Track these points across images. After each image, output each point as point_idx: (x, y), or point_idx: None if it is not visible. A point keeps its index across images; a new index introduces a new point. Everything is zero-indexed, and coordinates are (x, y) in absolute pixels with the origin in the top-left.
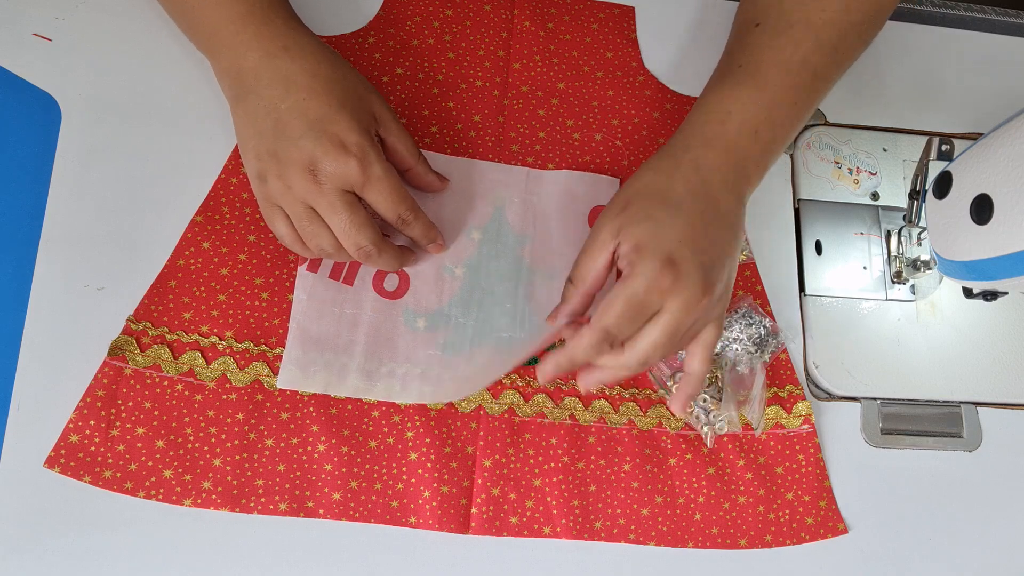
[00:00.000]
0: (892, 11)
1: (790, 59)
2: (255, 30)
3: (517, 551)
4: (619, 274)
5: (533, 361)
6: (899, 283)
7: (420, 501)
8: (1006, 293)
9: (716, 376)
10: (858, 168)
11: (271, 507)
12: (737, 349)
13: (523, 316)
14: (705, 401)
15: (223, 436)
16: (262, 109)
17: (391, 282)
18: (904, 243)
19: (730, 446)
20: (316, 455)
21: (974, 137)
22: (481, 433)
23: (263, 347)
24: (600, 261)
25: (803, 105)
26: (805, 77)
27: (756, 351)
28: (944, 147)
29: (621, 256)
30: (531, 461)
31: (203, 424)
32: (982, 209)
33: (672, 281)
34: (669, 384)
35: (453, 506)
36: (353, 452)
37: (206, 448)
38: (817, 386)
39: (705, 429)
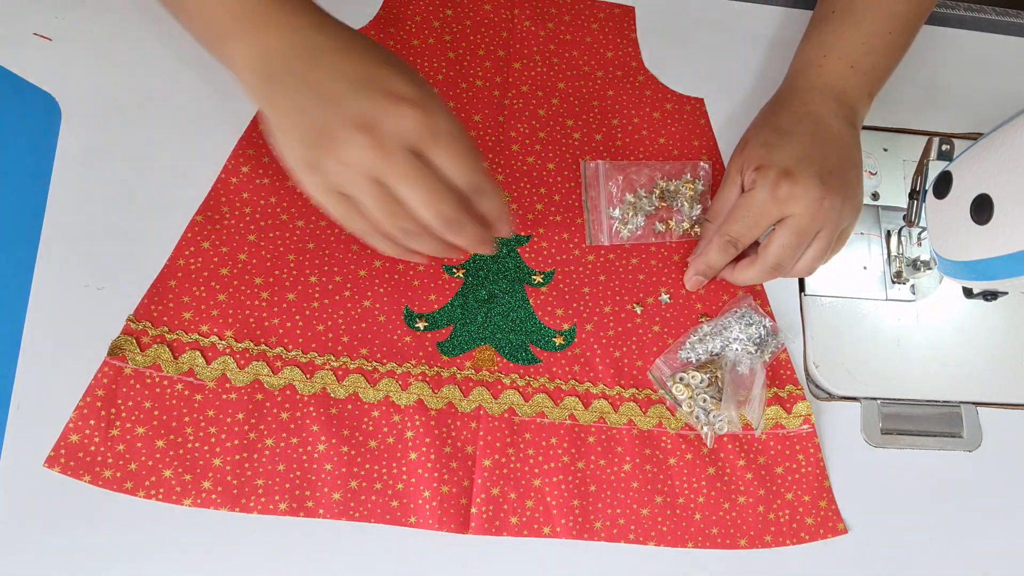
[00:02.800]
0: None
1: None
2: (278, 8)
3: (517, 551)
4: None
5: (533, 360)
6: (899, 283)
7: (420, 501)
8: (1006, 293)
9: (716, 376)
10: None
11: (271, 507)
12: (737, 349)
13: (523, 316)
14: (705, 401)
15: (223, 436)
16: (297, 86)
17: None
18: (904, 243)
19: (730, 446)
20: (316, 455)
21: (974, 137)
22: (481, 433)
23: (263, 347)
24: (731, 196)
25: (901, 32)
26: (898, 5)
27: (756, 351)
28: (944, 147)
29: (746, 182)
30: (531, 461)
31: (203, 424)
32: (982, 209)
33: (789, 189)
34: (669, 384)
35: (453, 506)
36: (353, 452)
37: (206, 448)
38: (817, 386)
39: (705, 429)
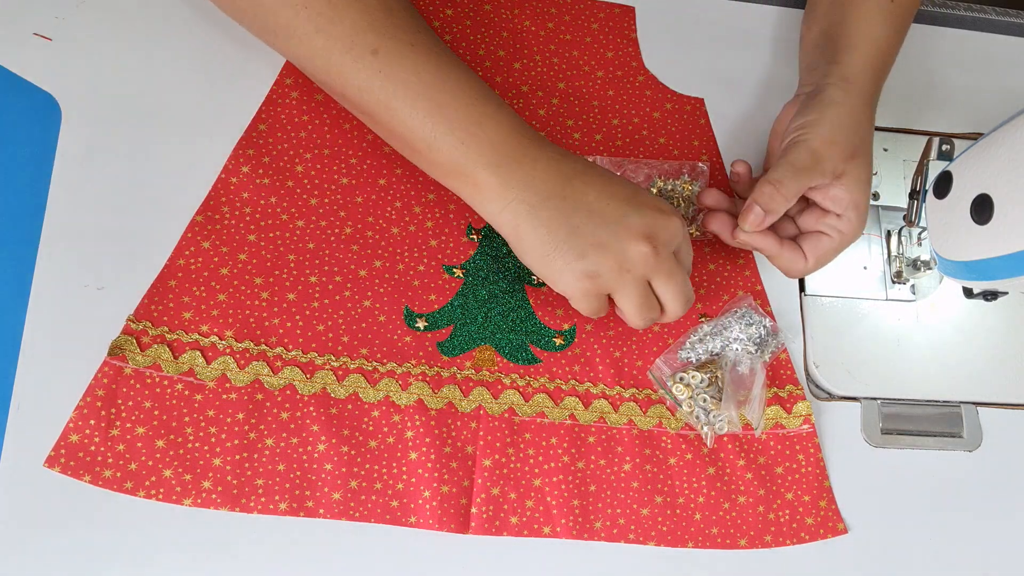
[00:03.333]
0: None
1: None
2: (534, 142)
3: (517, 551)
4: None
5: (533, 360)
6: (899, 283)
7: (420, 501)
8: (1006, 293)
9: (716, 376)
10: None
11: (271, 507)
12: (737, 349)
13: (523, 316)
14: (705, 401)
15: (223, 436)
16: (569, 208)
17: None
18: (904, 243)
19: (730, 446)
20: (316, 455)
21: (974, 137)
22: (481, 433)
23: (263, 347)
24: (811, 184)
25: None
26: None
27: (756, 351)
28: (944, 147)
29: (833, 199)
30: (531, 461)
31: (203, 424)
32: (982, 209)
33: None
34: (669, 384)
35: (453, 506)
36: (353, 452)
37: (206, 448)
38: (817, 386)
39: (705, 429)
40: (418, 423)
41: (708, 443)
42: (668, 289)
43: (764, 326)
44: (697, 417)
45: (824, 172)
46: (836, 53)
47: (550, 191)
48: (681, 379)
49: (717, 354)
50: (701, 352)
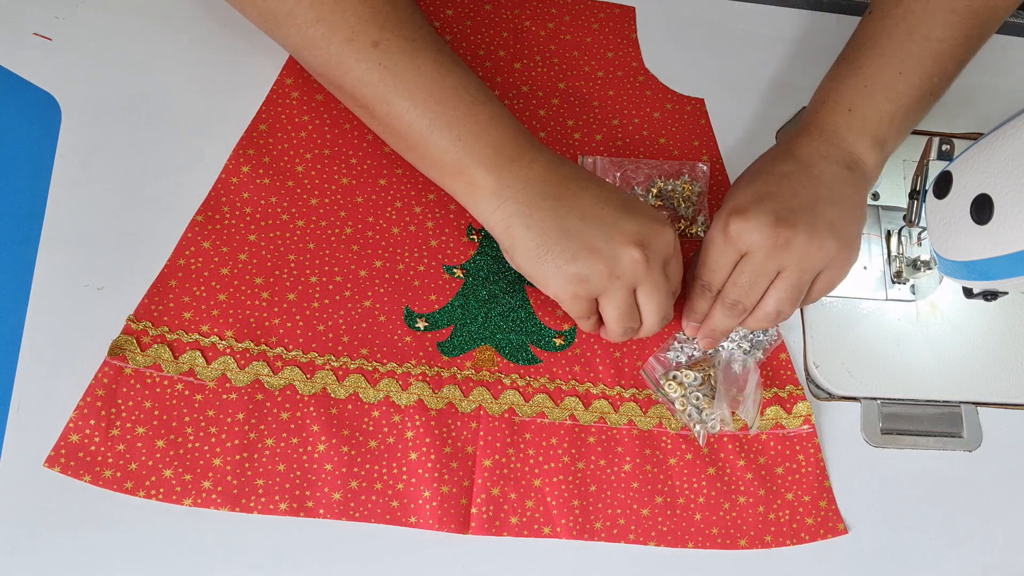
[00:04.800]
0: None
1: (891, 48)
2: (532, 144)
3: (517, 551)
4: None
5: (534, 360)
6: (899, 283)
7: (420, 501)
8: (1006, 293)
9: (709, 375)
10: None
11: (271, 507)
12: (731, 348)
13: (523, 316)
14: (698, 399)
15: (223, 436)
16: (563, 210)
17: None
18: (904, 243)
19: (730, 446)
20: (316, 455)
21: (974, 137)
22: (481, 433)
23: (263, 347)
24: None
25: (907, 76)
26: (908, 50)
27: (749, 348)
28: (944, 147)
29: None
30: (531, 461)
31: (203, 424)
32: (982, 209)
33: (739, 224)
34: (662, 383)
35: (453, 506)
36: (353, 452)
37: (206, 448)
38: (817, 386)
39: (698, 428)
40: (418, 423)
41: (701, 442)
42: (651, 301)
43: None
44: (689, 415)
45: (728, 218)
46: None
47: (545, 192)
48: (674, 377)
49: (710, 353)
50: (690, 352)
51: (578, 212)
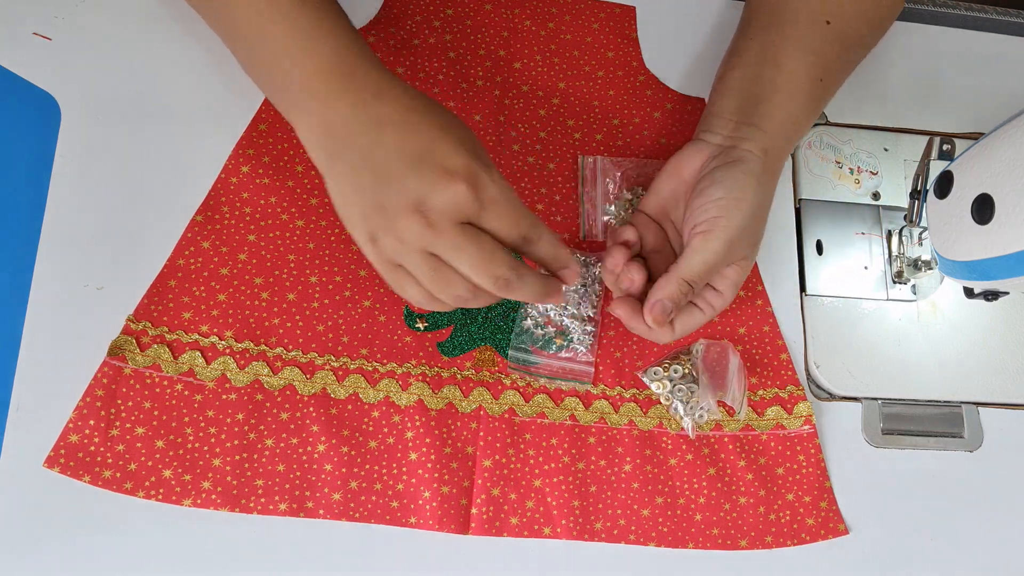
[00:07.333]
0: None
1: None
2: (345, 79)
3: (517, 551)
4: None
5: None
6: (900, 283)
7: (420, 501)
8: (1007, 293)
9: (688, 369)
10: (859, 168)
11: (271, 507)
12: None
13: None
14: (681, 392)
15: (223, 436)
16: (358, 161)
17: None
18: (905, 243)
19: (731, 447)
20: (316, 455)
21: (975, 137)
22: (481, 433)
23: (263, 347)
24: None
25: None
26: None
27: (584, 297)
28: (945, 147)
29: (727, 270)
30: (531, 461)
31: (203, 424)
32: (983, 209)
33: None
34: (644, 380)
35: (453, 506)
36: (353, 452)
37: (206, 448)
38: (818, 386)
39: (686, 420)
40: (418, 423)
41: (691, 435)
42: (462, 265)
43: (583, 262)
44: (676, 409)
45: (732, 260)
46: (758, 117)
47: (345, 141)
48: (656, 373)
49: (687, 351)
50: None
51: (371, 166)
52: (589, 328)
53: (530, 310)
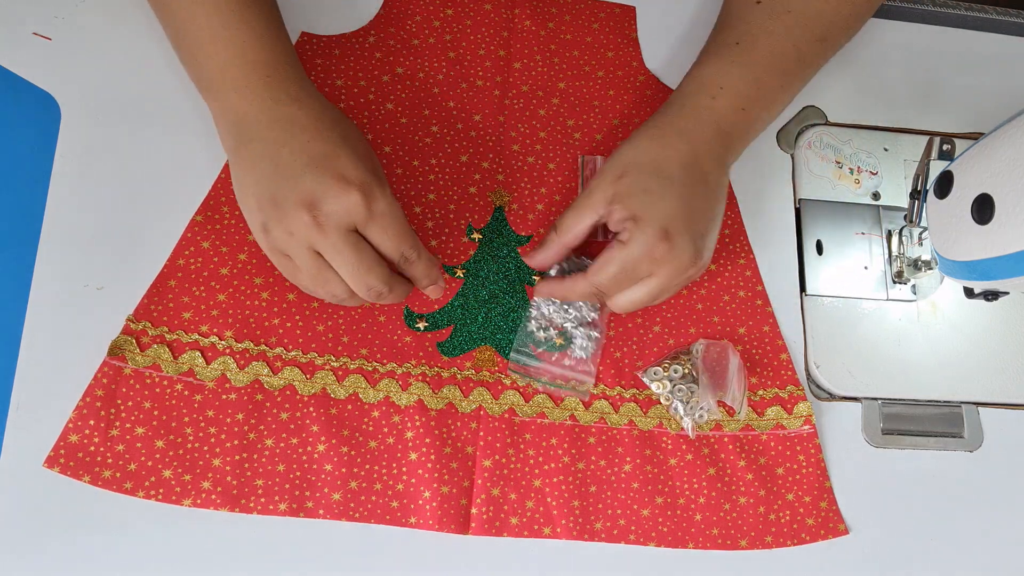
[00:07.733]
0: (878, 6)
1: (783, 45)
2: (264, 77)
3: (517, 551)
4: (606, 232)
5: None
6: (900, 283)
7: (420, 501)
8: (1007, 293)
9: (688, 369)
10: (859, 168)
11: (271, 507)
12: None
13: (524, 316)
14: (681, 392)
15: (223, 436)
16: (261, 153)
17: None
18: (905, 243)
19: (731, 447)
20: (316, 455)
21: (975, 137)
22: (481, 433)
23: (263, 347)
24: (586, 221)
25: (788, 88)
26: (791, 63)
27: (575, 324)
28: (945, 147)
29: (616, 222)
30: (531, 461)
31: (203, 424)
32: (983, 209)
33: (666, 251)
34: (645, 380)
35: (453, 506)
36: (353, 452)
37: (206, 448)
38: (818, 386)
39: (686, 420)
40: (418, 423)
41: (690, 435)
42: (341, 268)
43: (583, 263)
44: (676, 409)
45: (596, 204)
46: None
47: (254, 133)
48: (656, 373)
49: (687, 351)
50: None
51: (272, 160)
52: (594, 335)
53: (534, 312)
